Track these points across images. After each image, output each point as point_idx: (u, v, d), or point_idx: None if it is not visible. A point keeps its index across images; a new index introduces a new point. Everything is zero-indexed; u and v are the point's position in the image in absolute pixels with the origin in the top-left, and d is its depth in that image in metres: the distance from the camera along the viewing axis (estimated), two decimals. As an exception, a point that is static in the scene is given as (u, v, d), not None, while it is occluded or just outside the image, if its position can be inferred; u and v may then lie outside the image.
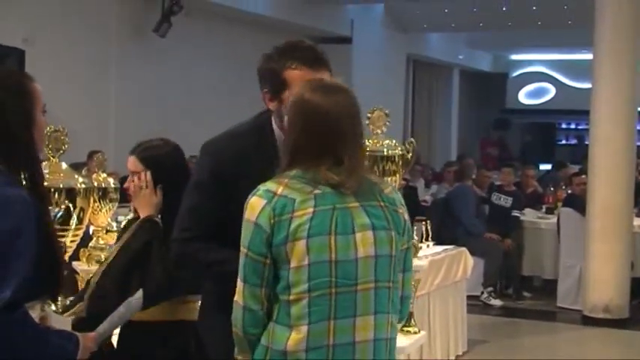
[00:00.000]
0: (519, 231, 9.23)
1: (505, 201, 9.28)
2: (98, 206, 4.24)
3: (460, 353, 6.51)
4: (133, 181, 3.06)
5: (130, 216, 3.30)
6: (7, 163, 2.18)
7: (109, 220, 4.45)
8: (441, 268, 6.03)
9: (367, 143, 3.66)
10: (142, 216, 3.03)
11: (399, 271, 2.31)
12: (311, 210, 2.19)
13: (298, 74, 2.60)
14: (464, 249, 6.57)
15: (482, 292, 8.68)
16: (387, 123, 3.88)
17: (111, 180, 4.30)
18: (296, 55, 2.63)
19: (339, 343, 2.18)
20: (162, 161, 3.07)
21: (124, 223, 3.32)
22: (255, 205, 2.21)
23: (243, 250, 2.22)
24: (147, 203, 3.02)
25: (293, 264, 2.17)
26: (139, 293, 2.83)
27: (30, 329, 2.08)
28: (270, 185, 2.23)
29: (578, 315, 8.19)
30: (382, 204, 2.28)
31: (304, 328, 2.16)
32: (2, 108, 2.19)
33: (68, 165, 3.80)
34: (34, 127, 2.24)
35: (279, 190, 2.21)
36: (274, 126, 2.68)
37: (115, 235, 4.08)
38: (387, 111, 3.93)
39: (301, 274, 2.17)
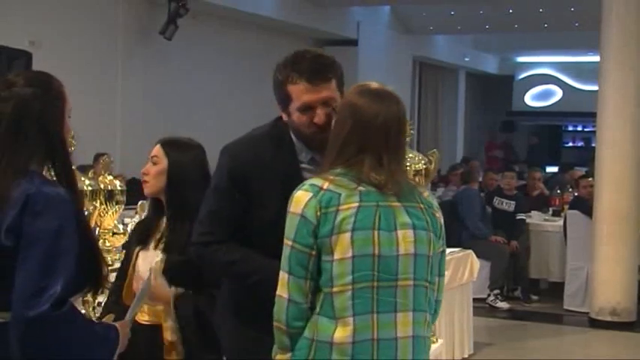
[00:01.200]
0: (526, 234, 9.21)
1: (508, 205, 9.25)
2: (105, 208, 4.23)
3: (466, 356, 6.50)
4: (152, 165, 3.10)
5: (137, 218, 3.28)
6: (42, 164, 2.21)
7: (116, 222, 4.44)
8: (447, 270, 6.02)
9: None
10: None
11: (435, 274, 2.35)
12: (356, 205, 2.23)
13: (297, 88, 2.56)
14: (470, 251, 6.56)
15: (489, 295, 8.66)
16: (411, 132, 3.81)
17: (117, 182, 4.29)
18: (296, 67, 2.58)
19: (383, 337, 2.22)
20: (182, 159, 3.09)
21: (131, 226, 3.31)
22: (302, 198, 2.25)
23: (287, 242, 2.25)
24: (160, 295, 2.99)
25: (337, 256, 2.21)
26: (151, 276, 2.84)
27: (80, 322, 2.13)
28: (315, 180, 2.28)
29: (585, 318, 8.17)
30: (422, 206, 2.33)
31: (350, 320, 2.20)
32: (40, 109, 2.20)
33: (75, 167, 3.80)
34: (64, 128, 2.26)
35: (325, 185, 2.26)
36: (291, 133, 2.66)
37: (121, 238, 4.08)
38: (410, 121, 3.88)
39: (345, 266, 2.21)
